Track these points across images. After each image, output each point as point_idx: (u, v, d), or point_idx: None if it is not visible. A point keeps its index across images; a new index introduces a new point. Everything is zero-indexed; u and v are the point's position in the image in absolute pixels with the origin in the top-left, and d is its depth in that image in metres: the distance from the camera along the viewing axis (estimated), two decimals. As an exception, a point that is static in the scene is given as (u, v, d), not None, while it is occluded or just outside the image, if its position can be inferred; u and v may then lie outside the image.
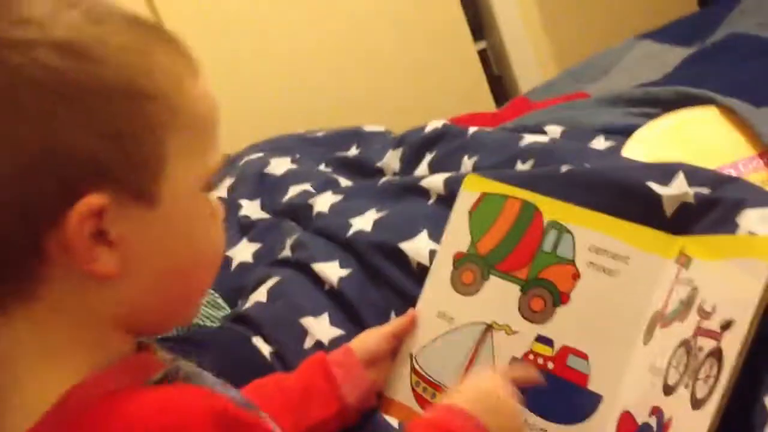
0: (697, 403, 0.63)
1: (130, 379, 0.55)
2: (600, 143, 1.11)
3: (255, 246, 1.23)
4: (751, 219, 0.73)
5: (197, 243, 0.59)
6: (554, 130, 1.19)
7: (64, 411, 0.52)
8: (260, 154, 1.48)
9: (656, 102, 1.19)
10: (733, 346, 0.62)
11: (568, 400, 0.77)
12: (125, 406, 0.51)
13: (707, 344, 0.65)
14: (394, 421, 0.91)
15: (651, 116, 1.15)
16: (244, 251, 1.23)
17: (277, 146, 1.54)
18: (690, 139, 1.05)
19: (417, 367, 0.93)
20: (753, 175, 0.96)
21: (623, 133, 1.11)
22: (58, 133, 0.50)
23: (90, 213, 0.50)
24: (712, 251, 0.71)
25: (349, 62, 2.47)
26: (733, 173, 0.97)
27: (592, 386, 0.79)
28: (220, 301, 1.14)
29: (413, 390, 0.93)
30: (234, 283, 1.16)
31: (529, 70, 2.84)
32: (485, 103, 2.66)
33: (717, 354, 0.63)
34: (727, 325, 0.63)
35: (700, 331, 0.67)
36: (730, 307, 0.64)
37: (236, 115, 2.24)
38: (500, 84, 2.96)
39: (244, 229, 1.28)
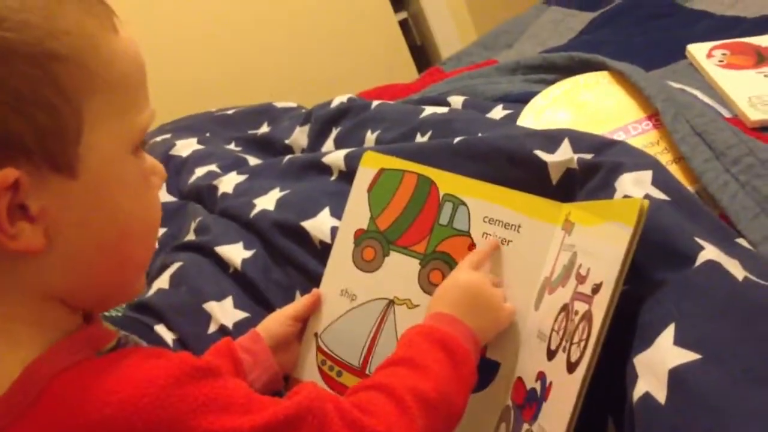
0: (571, 367, 0.65)
1: (83, 351, 0.54)
2: (498, 112, 1.11)
3: (160, 231, 1.21)
4: (626, 183, 0.75)
5: (129, 210, 0.56)
6: (456, 101, 1.20)
7: (21, 390, 0.51)
8: (166, 136, 1.46)
9: (553, 68, 1.20)
10: (600, 308, 0.63)
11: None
12: (94, 380, 0.51)
13: (582, 308, 0.66)
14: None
15: (548, 83, 1.16)
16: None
17: (186, 126, 1.51)
18: (582, 104, 1.06)
19: (322, 345, 0.94)
20: (642, 136, 0.98)
21: (521, 101, 1.12)
22: None
23: (3, 188, 0.48)
24: (591, 216, 0.73)
25: (268, 34, 2.45)
26: (624, 136, 0.98)
27: (490, 354, 0.81)
28: None
29: (320, 369, 0.93)
30: None
31: (450, 39, 2.85)
32: (408, 72, 2.66)
33: (588, 317, 0.64)
34: (597, 289, 0.65)
35: (576, 296, 0.68)
36: (600, 270, 0.66)
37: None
38: (422, 53, 2.96)
39: None
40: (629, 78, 1.04)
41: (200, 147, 1.38)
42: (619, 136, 0.98)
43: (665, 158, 0.94)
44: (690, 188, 0.89)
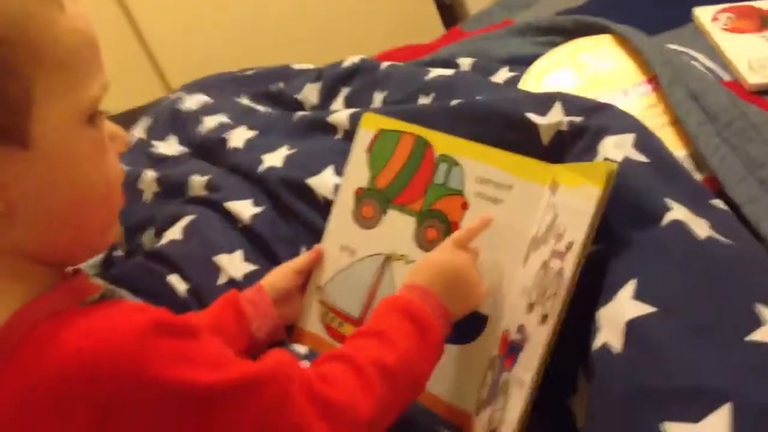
0: (543, 319, 0.69)
1: (66, 302, 0.58)
2: (504, 74, 1.14)
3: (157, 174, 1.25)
4: (608, 145, 0.77)
5: (85, 176, 0.59)
6: (465, 62, 1.22)
7: (6, 337, 0.55)
8: (180, 94, 1.50)
9: (561, 31, 1.22)
10: (569, 264, 0.66)
11: (459, 321, 0.81)
12: (70, 327, 0.54)
13: (556, 265, 0.70)
14: (302, 348, 0.96)
15: (556, 45, 1.17)
16: (153, 184, 1.25)
17: (203, 86, 1.55)
18: (584, 66, 1.08)
19: (324, 298, 0.98)
20: (641, 99, 1.00)
21: (527, 63, 1.14)
22: None
23: None
24: (572, 177, 0.76)
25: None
26: (623, 98, 1.00)
27: (480, 308, 0.85)
28: None
29: (322, 320, 0.98)
30: (140, 216, 1.20)
31: (479, -2, 2.82)
32: (435, 32, 2.66)
33: (560, 273, 0.68)
34: (569, 247, 0.68)
35: (554, 253, 0.72)
36: (572, 229, 0.69)
37: (172, 56, 2.26)
38: (451, 12, 2.95)
39: (156, 163, 1.30)
40: (630, 41, 1.06)
41: (208, 99, 1.41)
42: (618, 99, 1.00)
43: (662, 120, 0.96)
44: (684, 151, 0.92)
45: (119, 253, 1.19)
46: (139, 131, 1.41)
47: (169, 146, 1.33)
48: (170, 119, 1.39)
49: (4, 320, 0.55)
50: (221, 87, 1.51)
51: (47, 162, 0.56)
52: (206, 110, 1.35)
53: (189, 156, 1.29)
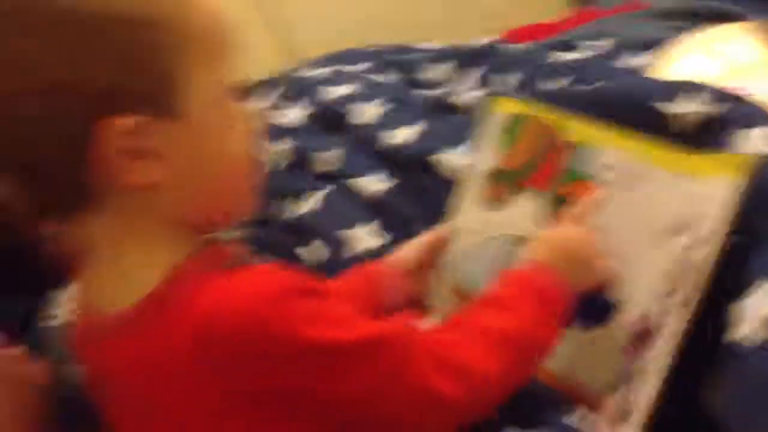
0: (681, 305, 0.69)
1: (211, 264, 0.64)
2: (638, 60, 1.13)
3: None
4: (753, 137, 0.77)
5: (225, 149, 0.65)
6: (594, 45, 1.22)
7: (158, 296, 0.62)
8: (309, 65, 1.55)
9: (702, 16, 1.20)
10: (709, 253, 0.67)
11: (589, 304, 0.82)
12: (211, 287, 0.60)
13: (695, 253, 0.70)
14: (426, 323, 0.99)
15: (684, 30, 1.16)
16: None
17: (333, 59, 1.59)
18: (719, 54, 1.06)
19: (451, 275, 1.01)
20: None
21: (658, 48, 1.13)
22: (70, 71, 0.58)
23: (121, 134, 0.58)
24: (708, 167, 0.76)
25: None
26: (756, 89, 0.98)
27: (609, 293, 0.86)
28: None
29: (449, 296, 1.01)
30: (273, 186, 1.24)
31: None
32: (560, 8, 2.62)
33: (700, 261, 0.68)
34: (709, 235, 0.69)
35: (693, 241, 0.72)
36: (710, 218, 0.70)
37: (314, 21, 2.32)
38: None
39: (286, 133, 1.35)
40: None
41: (339, 68, 1.46)
42: (750, 90, 0.98)
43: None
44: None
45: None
46: (268, 101, 1.47)
47: (296, 114, 1.38)
48: (301, 88, 1.44)
49: (157, 280, 0.62)
50: (350, 60, 1.55)
51: (194, 134, 0.63)
52: (336, 80, 1.40)
53: (315, 125, 1.34)
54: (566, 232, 0.83)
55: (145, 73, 0.60)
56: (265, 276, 0.63)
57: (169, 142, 0.61)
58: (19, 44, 0.58)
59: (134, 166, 0.60)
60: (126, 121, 0.58)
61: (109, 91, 0.58)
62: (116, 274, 0.65)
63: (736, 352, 0.62)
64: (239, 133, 0.67)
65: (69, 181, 0.61)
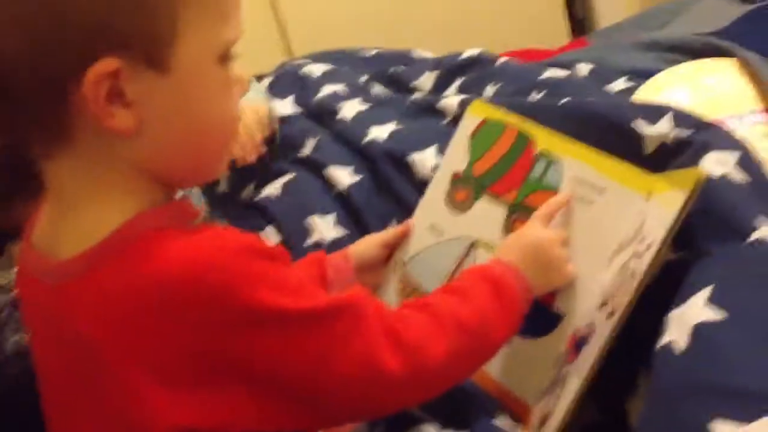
0: (610, 315, 0.69)
1: (174, 219, 0.64)
2: (620, 84, 1.13)
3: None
4: (709, 161, 0.77)
5: (208, 110, 0.64)
6: (583, 68, 1.22)
7: (117, 240, 0.60)
8: (306, 60, 1.56)
9: (687, 50, 1.21)
10: (643, 264, 0.67)
11: (533, 316, 0.81)
12: (174, 240, 0.59)
13: (632, 265, 0.70)
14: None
15: (679, 63, 1.16)
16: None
17: (329, 57, 1.60)
18: (703, 87, 1.06)
19: (405, 273, 1.00)
20: (755, 127, 0.98)
21: (647, 76, 1.13)
22: (68, 4, 0.56)
23: (104, 75, 0.57)
24: (664, 185, 0.76)
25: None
26: (737, 123, 0.99)
27: (557, 305, 0.85)
28: None
29: (400, 294, 1.00)
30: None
31: (613, 13, 2.79)
32: (561, 43, 2.65)
33: (634, 272, 0.68)
34: (648, 247, 0.69)
35: (633, 254, 0.72)
36: (653, 231, 0.70)
37: (309, 21, 2.33)
38: (582, 27, 2.93)
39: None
40: (752, 67, 1.04)
41: (332, 68, 1.46)
42: (732, 124, 0.98)
43: (774, 151, 0.94)
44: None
45: (222, 189, 1.25)
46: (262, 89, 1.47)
47: (286, 106, 1.38)
48: (292, 80, 1.44)
49: (115, 226, 0.61)
50: (346, 60, 1.56)
51: (180, 90, 0.61)
52: (327, 79, 1.40)
53: (303, 117, 1.34)
54: (533, 232, 0.83)
55: (144, 21, 0.58)
56: (227, 234, 0.62)
57: (151, 94, 0.60)
58: None
59: (111, 109, 0.59)
60: (111, 63, 0.57)
61: (102, 28, 0.57)
62: (73, 218, 0.63)
63: (660, 358, 0.61)
64: (224, 100, 0.66)
65: (45, 114, 0.59)
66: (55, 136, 0.61)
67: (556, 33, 2.67)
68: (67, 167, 0.62)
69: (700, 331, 0.60)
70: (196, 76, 0.62)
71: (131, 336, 0.59)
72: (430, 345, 0.67)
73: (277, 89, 1.45)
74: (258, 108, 1.20)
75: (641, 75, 1.17)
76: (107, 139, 0.60)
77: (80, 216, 0.63)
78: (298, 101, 1.40)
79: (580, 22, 2.90)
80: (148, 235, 0.60)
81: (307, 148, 1.21)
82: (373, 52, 1.65)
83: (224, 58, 0.64)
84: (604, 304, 0.74)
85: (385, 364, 0.64)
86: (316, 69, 1.47)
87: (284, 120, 1.34)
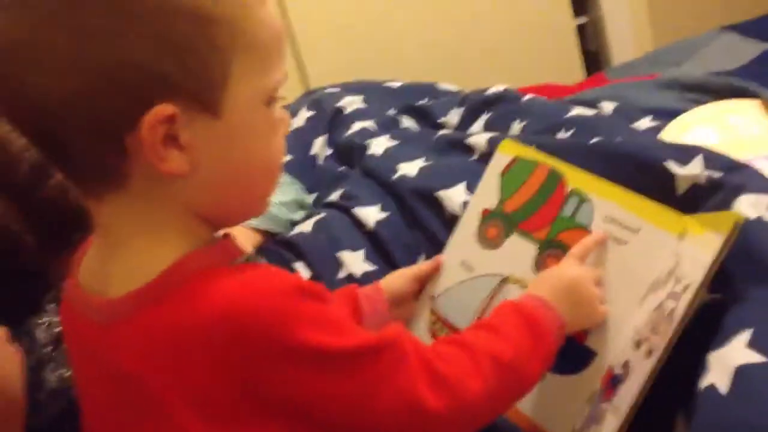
0: (648, 354, 0.70)
1: (219, 259, 0.65)
2: (646, 123, 1.15)
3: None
4: (743, 203, 0.78)
5: (257, 151, 0.66)
6: (607, 106, 1.24)
7: (167, 280, 0.62)
8: (335, 90, 1.58)
9: (709, 90, 1.22)
10: (682, 305, 0.68)
11: (565, 353, 0.82)
12: (223, 280, 0.61)
13: (669, 305, 0.71)
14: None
15: (702, 103, 1.18)
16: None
17: (354, 87, 1.63)
18: (729, 127, 1.08)
19: (436, 308, 1.02)
20: (780, 168, 0.99)
21: (671, 115, 1.15)
22: (126, 52, 0.58)
23: (160, 120, 0.59)
24: (699, 226, 0.77)
25: (447, 20, 2.51)
26: (765, 164, 1.00)
27: (589, 343, 0.86)
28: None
29: (430, 329, 1.01)
30: None
31: (626, 48, 2.82)
32: (576, 77, 2.67)
33: (672, 313, 0.69)
34: (685, 288, 0.70)
35: (670, 294, 0.73)
36: (691, 272, 0.71)
37: (326, 53, 2.36)
38: (595, 59, 2.96)
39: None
40: (779, 108, 1.06)
41: (363, 106, 1.48)
42: (759, 164, 1.00)
43: (800, 192, 0.95)
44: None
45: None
46: (299, 120, 1.50)
47: (321, 145, 1.41)
48: (329, 117, 1.47)
49: (167, 265, 0.62)
50: (372, 91, 1.58)
51: (231, 133, 0.63)
52: (358, 115, 1.43)
53: (334, 158, 1.37)
54: (568, 270, 0.84)
55: (199, 69, 0.60)
56: (275, 274, 0.64)
57: (204, 137, 0.62)
58: (88, 20, 0.58)
59: (166, 153, 0.61)
60: (167, 108, 0.59)
61: (158, 75, 0.59)
62: (123, 257, 0.65)
63: (703, 399, 0.62)
64: (272, 140, 0.68)
65: (98, 158, 0.61)
66: (107, 179, 0.63)
67: (569, 66, 2.70)
68: (118, 207, 0.64)
69: (741, 373, 0.61)
70: (246, 119, 0.64)
71: (177, 374, 0.61)
72: (467, 381, 0.68)
73: (317, 125, 1.48)
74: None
75: (665, 114, 1.19)
76: (159, 181, 0.62)
77: (130, 255, 0.64)
78: (330, 142, 1.43)
79: (593, 55, 2.94)
80: (198, 275, 0.62)
81: (336, 194, 1.23)
82: (399, 84, 1.67)
83: (271, 100, 0.66)
84: (639, 343, 0.75)
85: (426, 401, 0.65)
86: (349, 103, 1.49)
87: (318, 158, 1.36)
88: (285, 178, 1.28)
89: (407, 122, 1.43)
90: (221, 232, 0.71)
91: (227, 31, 0.61)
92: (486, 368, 0.70)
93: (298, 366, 0.61)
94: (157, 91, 0.59)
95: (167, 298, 0.61)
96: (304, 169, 1.40)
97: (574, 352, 0.84)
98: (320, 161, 1.41)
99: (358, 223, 1.16)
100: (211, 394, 0.61)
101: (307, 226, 1.16)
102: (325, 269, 1.09)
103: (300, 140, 1.46)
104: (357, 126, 1.38)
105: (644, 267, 0.84)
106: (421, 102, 1.54)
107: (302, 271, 1.09)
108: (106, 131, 0.60)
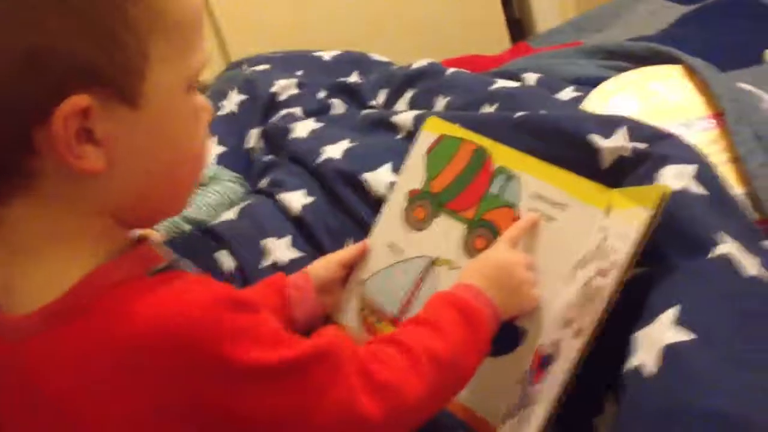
0: (576, 333, 0.69)
1: (136, 268, 0.60)
2: (568, 93, 1.14)
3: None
4: (667, 175, 0.78)
5: (180, 141, 0.62)
6: (530, 78, 1.23)
7: (79, 295, 0.57)
8: (266, 66, 1.53)
9: (631, 57, 1.22)
10: (611, 281, 0.67)
11: (497, 333, 0.81)
12: (144, 296, 0.57)
13: (598, 282, 0.71)
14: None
15: (623, 70, 1.17)
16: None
17: (284, 60, 1.59)
18: (651, 93, 1.08)
19: (364, 293, 0.99)
20: (704, 133, 0.99)
21: (593, 84, 1.14)
22: (42, 38, 0.53)
23: (75, 113, 0.54)
24: (625, 200, 0.76)
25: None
26: (686, 130, 1.00)
27: (519, 322, 0.85)
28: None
29: (360, 314, 0.99)
30: None
31: (549, 15, 2.84)
32: (501, 44, 2.67)
33: (600, 290, 0.69)
34: (612, 265, 0.69)
35: (598, 272, 0.72)
36: (618, 248, 0.70)
37: (248, 24, 2.30)
38: (519, 27, 2.96)
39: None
40: (700, 74, 1.06)
41: (297, 91, 1.44)
42: (680, 131, 0.99)
43: (722, 158, 0.96)
44: (741, 190, 0.91)
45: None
46: (231, 105, 1.46)
47: (256, 140, 1.38)
48: (265, 104, 1.43)
49: (78, 278, 0.58)
50: (301, 67, 1.55)
51: (152, 123, 0.59)
52: (291, 102, 1.39)
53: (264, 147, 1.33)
54: (500, 255, 0.83)
55: (116, 54, 0.55)
56: (196, 287, 0.60)
57: (122, 131, 0.57)
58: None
59: (81, 150, 0.56)
60: (82, 100, 0.54)
61: (73, 64, 0.54)
62: (30, 269, 0.59)
63: (631, 380, 0.62)
64: (195, 130, 0.64)
65: (7, 157, 0.56)
66: (13, 180, 0.57)
67: (496, 35, 2.70)
68: (26, 212, 0.59)
69: (670, 352, 0.60)
70: (167, 107, 0.60)
71: (104, 397, 0.57)
72: (406, 383, 0.67)
73: (246, 112, 1.44)
74: None
75: (587, 83, 1.19)
76: (73, 181, 0.57)
77: (40, 266, 0.59)
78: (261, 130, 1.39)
79: (517, 22, 2.94)
80: (112, 291, 0.57)
81: (264, 182, 1.20)
82: (330, 56, 1.63)
83: (191, 86, 0.62)
84: (569, 322, 0.74)
85: (366, 411, 0.63)
86: (283, 88, 1.45)
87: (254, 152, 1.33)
88: (215, 172, 1.24)
89: (338, 106, 1.40)
90: (138, 232, 0.66)
91: (144, 10, 0.56)
92: (425, 367, 0.69)
93: (231, 382, 0.58)
94: (72, 79, 0.54)
95: (83, 317, 0.57)
96: (238, 159, 1.36)
97: (504, 332, 0.83)
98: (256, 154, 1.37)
99: (284, 209, 1.12)
100: (141, 415, 0.57)
101: (231, 214, 1.12)
102: (250, 258, 1.05)
103: (234, 128, 1.41)
104: (284, 111, 1.34)
105: (572, 243, 0.84)
106: (353, 79, 1.51)
107: (226, 260, 1.05)
108: (13, 124, 0.55)
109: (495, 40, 2.67)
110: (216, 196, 1.18)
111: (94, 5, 0.54)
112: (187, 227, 1.12)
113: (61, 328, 0.57)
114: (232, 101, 1.46)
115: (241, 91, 1.48)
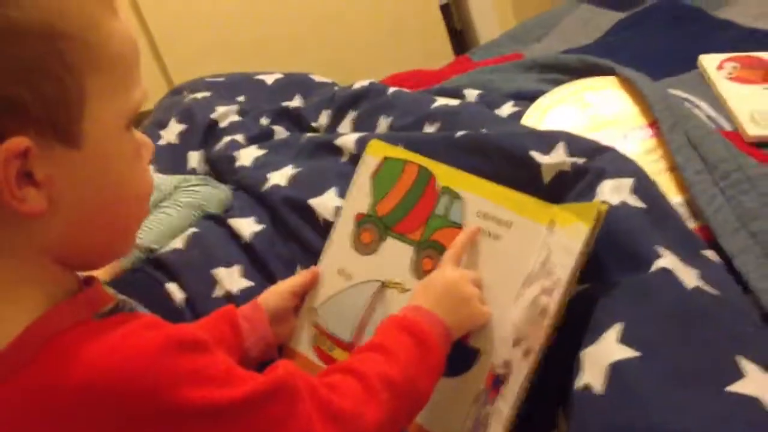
0: (526, 353, 0.70)
1: (81, 313, 0.58)
2: (508, 108, 1.16)
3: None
4: (606, 189, 0.79)
5: (123, 180, 0.61)
6: (471, 94, 1.24)
7: (19, 349, 0.55)
8: (206, 94, 1.52)
9: (566, 69, 1.24)
10: (554, 301, 0.68)
11: (451, 354, 0.82)
12: (90, 343, 0.55)
13: (543, 301, 0.72)
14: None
15: (561, 83, 1.19)
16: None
17: (225, 86, 1.58)
18: (587, 106, 1.10)
19: (317, 320, 0.99)
20: (641, 143, 1.01)
21: (531, 98, 1.16)
22: None
23: (13, 155, 0.53)
24: (567, 216, 0.77)
25: (309, 8, 2.48)
26: (624, 141, 1.02)
27: (473, 342, 0.86)
28: None
29: (313, 342, 0.99)
30: None
31: (490, 25, 2.87)
32: (445, 56, 2.70)
33: (546, 309, 0.70)
34: (556, 283, 0.70)
35: (543, 290, 0.73)
36: (560, 266, 0.71)
37: (188, 46, 2.29)
38: (461, 38, 2.99)
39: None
40: (634, 84, 1.08)
41: (238, 118, 1.43)
42: (618, 142, 1.01)
43: (660, 166, 0.98)
44: (680, 198, 0.93)
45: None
46: (170, 135, 1.44)
47: (198, 161, 1.37)
48: (203, 130, 1.41)
49: (21, 328, 0.56)
50: (243, 92, 1.54)
51: (92, 163, 0.58)
52: (232, 130, 1.38)
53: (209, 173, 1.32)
54: (446, 274, 0.84)
55: (52, 93, 0.54)
56: (145, 331, 0.58)
57: (63, 170, 0.56)
58: None
59: (21, 192, 0.54)
60: (21, 141, 0.53)
61: (12, 106, 0.53)
62: None
63: (579, 401, 0.63)
64: (137, 167, 0.63)
65: None
66: None
67: (438, 48, 2.73)
68: None
69: (615, 371, 0.61)
70: (107, 146, 0.59)
71: None
72: (364, 412, 0.67)
73: (190, 139, 1.42)
74: None
75: (526, 97, 1.20)
76: (14, 225, 0.56)
77: None
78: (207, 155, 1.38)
79: (459, 33, 2.97)
80: (57, 339, 0.56)
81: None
82: (272, 79, 1.62)
83: (130, 123, 0.61)
84: (518, 341, 0.75)
85: None
86: (224, 115, 1.44)
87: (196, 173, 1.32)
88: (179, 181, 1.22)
89: (280, 133, 1.39)
90: (84, 274, 0.65)
91: (79, 47, 0.55)
92: (380, 394, 0.69)
93: (185, 426, 0.57)
94: (8, 122, 0.53)
95: (30, 367, 0.55)
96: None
97: (458, 352, 0.84)
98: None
99: (234, 236, 1.12)
100: None
101: (179, 243, 1.11)
102: (200, 289, 1.04)
103: (175, 156, 1.39)
104: (227, 139, 1.33)
105: (518, 261, 0.85)
106: (295, 103, 1.50)
107: (176, 292, 1.04)
108: None
109: (438, 51, 2.70)
110: (166, 217, 1.16)
111: (22, 43, 0.53)
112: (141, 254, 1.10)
113: (9, 379, 0.55)
114: (172, 131, 1.45)
115: (181, 121, 1.47)
